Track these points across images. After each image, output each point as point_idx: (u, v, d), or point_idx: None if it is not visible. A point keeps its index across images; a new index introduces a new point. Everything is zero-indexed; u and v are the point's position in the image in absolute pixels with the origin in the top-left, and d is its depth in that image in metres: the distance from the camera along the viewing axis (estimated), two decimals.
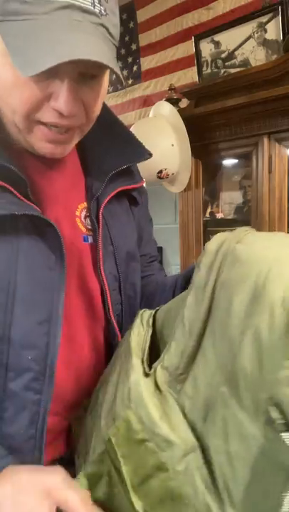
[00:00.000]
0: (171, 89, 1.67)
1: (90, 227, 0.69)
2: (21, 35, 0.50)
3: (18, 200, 0.57)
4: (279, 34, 1.56)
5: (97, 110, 0.62)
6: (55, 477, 0.49)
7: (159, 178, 1.54)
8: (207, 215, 1.80)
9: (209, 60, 1.77)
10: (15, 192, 0.57)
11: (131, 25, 2.33)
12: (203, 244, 1.85)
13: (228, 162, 1.80)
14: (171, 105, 1.56)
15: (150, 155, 0.75)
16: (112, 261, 0.71)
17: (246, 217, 1.62)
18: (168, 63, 2.20)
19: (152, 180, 1.57)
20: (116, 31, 0.57)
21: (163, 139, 1.50)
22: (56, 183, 0.67)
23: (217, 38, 1.72)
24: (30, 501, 0.47)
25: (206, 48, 1.76)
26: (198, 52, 1.78)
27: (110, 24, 0.55)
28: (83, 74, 0.55)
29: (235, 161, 1.77)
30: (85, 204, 0.70)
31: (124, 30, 2.36)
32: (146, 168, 1.53)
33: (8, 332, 0.57)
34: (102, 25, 0.53)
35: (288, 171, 1.41)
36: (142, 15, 2.27)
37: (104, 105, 0.65)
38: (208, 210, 1.83)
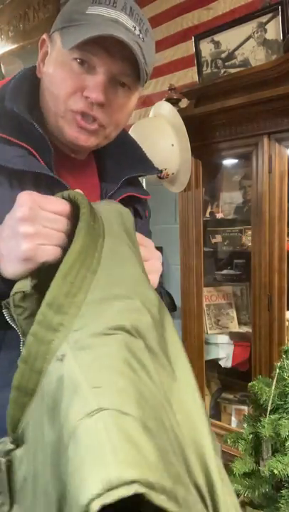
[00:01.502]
0: (171, 89, 1.67)
1: None
2: (75, 31, 0.67)
3: (39, 163, 0.69)
4: (279, 34, 1.55)
5: (120, 120, 0.76)
6: None
7: (159, 178, 1.54)
8: (207, 215, 1.80)
9: (209, 60, 1.77)
10: (38, 157, 0.69)
11: None
12: (204, 244, 1.85)
13: (228, 162, 1.80)
14: (171, 105, 1.56)
15: (158, 171, 0.89)
16: None
17: (246, 217, 1.62)
18: (168, 63, 2.20)
19: (152, 180, 1.57)
20: (150, 61, 0.74)
21: (163, 139, 1.50)
22: (77, 180, 0.77)
23: (217, 38, 1.72)
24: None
25: (206, 48, 1.76)
26: (198, 52, 1.78)
27: (145, 50, 0.71)
28: (115, 78, 0.71)
29: (235, 161, 1.78)
30: None
31: None
32: None
33: None
34: (139, 44, 0.70)
35: (288, 171, 1.41)
36: None
37: None
38: (208, 210, 1.83)
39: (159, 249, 2.80)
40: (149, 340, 0.46)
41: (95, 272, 0.50)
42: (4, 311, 0.54)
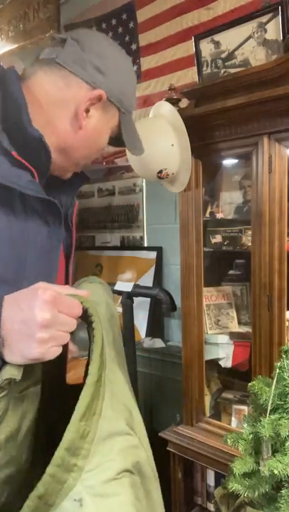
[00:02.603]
0: (171, 89, 1.67)
1: None
2: (130, 129, 0.88)
3: (40, 187, 0.73)
4: (279, 34, 1.56)
5: None
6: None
7: (159, 178, 1.54)
8: (207, 215, 1.80)
9: (209, 60, 1.77)
10: (37, 179, 0.73)
11: (131, 25, 2.33)
12: (204, 244, 1.85)
13: (228, 162, 1.80)
14: (171, 105, 1.56)
15: (89, 178, 0.98)
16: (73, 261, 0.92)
17: (246, 217, 1.62)
18: (168, 63, 2.20)
19: (152, 180, 1.57)
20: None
21: (163, 139, 1.50)
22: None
23: (217, 38, 1.72)
24: (25, 292, 0.60)
25: (206, 48, 1.76)
26: (198, 52, 1.78)
27: None
28: None
29: (235, 161, 1.77)
30: None
31: (124, 30, 2.36)
32: (146, 168, 1.53)
33: None
34: None
35: (288, 171, 1.41)
36: (142, 15, 2.27)
37: None
38: (208, 210, 1.82)
39: (159, 249, 2.79)
40: (146, 472, 0.58)
41: (103, 398, 0.57)
42: None
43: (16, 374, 0.56)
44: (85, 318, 0.63)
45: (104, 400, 0.57)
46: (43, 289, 0.58)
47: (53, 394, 0.68)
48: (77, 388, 0.56)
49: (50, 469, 0.49)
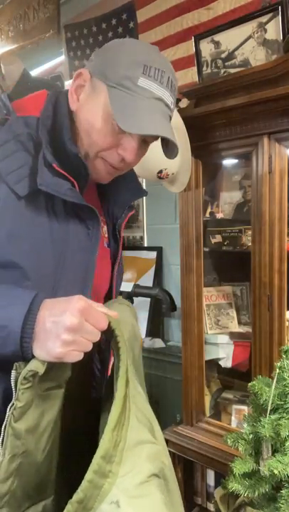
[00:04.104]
0: None
1: (106, 236, 0.96)
2: (125, 103, 0.75)
3: (80, 194, 0.80)
4: (279, 34, 1.56)
5: (136, 164, 0.88)
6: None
7: (159, 178, 1.54)
8: (207, 215, 1.80)
9: (209, 60, 1.77)
10: (77, 188, 0.80)
11: (131, 25, 2.33)
12: (204, 244, 1.84)
13: (228, 162, 1.80)
14: None
15: (146, 193, 1.01)
16: (118, 266, 0.98)
17: (246, 217, 1.62)
18: None
19: (152, 180, 1.57)
20: (173, 119, 0.87)
21: None
22: (89, 196, 0.88)
23: (217, 38, 1.72)
24: (63, 299, 0.66)
25: (206, 48, 1.76)
26: (198, 52, 1.78)
27: (172, 115, 0.84)
28: (144, 140, 0.83)
29: (235, 161, 1.77)
30: (102, 218, 0.95)
31: (124, 30, 2.36)
32: (146, 168, 1.53)
33: (54, 296, 0.71)
34: (170, 116, 0.83)
35: (288, 171, 1.41)
36: (142, 15, 2.27)
37: None
38: (208, 210, 1.82)
39: (159, 249, 2.79)
40: (169, 476, 0.65)
41: (129, 410, 0.62)
42: (12, 372, 0.64)
43: (40, 368, 0.62)
44: (110, 336, 0.69)
45: (131, 411, 0.62)
46: (78, 298, 0.65)
47: (74, 403, 0.74)
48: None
49: (88, 476, 0.54)
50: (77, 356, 0.64)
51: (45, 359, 0.63)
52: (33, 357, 0.64)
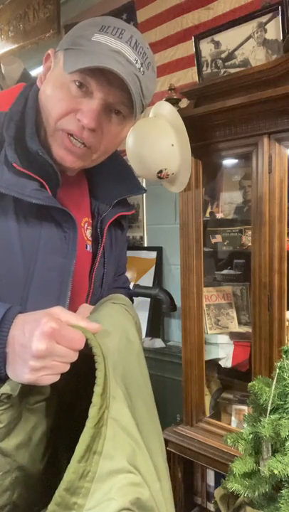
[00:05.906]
0: (171, 89, 1.67)
1: (90, 238, 0.87)
2: (77, 57, 0.69)
3: (49, 195, 0.74)
4: (279, 34, 1.56)
5: (110, 147, 0.79)
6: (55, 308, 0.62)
7: (159, 178, 1.54)
8: (207, 215, 1.80)
9: (209, 60, 1.77)
10: (48, 189, 0.74)
11: (131, 25, 2.32)
12: (204, 244, 1.84)
13: (228, 162, 1.80)
14: (171, 105, 1.56)
15: (145, 191, 0.93)
16: (102, 269, 0.89)
17: (246, 217, 1.62)
18: (168, 63, 2.20)
19: (152, 180, 1.57)
20: (148, 94, 0.76)
21: (163, 139, 1.50)
22: (68, 196, 0.82)
23: (217, 38, 1.72)
24: (34, 316, 0.60)
25: (206, 48, 1.76)
26: (198, 52, 1.78)
27: (144, 83, 0.73)
28: (111, 106, 0.73)
29: (235, 161, 1.77)
30: (87, 219, 0.88)
31: None
32: (146, 168, 1.53)
33: (24, 306, 0.70)
34: (138, 77, 0.71)
35: (288, 171, 1.41)
36: (142, 15, 2.27)
37: None
38: (208, 210, 1.83)
39: (159, 249, 2.78)
40: (149, 507, 0.59)
41: (105, 437, 0.57)
42: None
43: (14, 390, 0.59)
44: (90, 353, 0.63)
45: (106, 439, 0.58)
46: (47, 320, 0.58)
47: (68, 412, 0.71)
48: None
49: (50, 507, 0.51)
50: (51, 379, 0.59)
51: (18, 381, 0.59)
52: (7, 377, 0.60)
